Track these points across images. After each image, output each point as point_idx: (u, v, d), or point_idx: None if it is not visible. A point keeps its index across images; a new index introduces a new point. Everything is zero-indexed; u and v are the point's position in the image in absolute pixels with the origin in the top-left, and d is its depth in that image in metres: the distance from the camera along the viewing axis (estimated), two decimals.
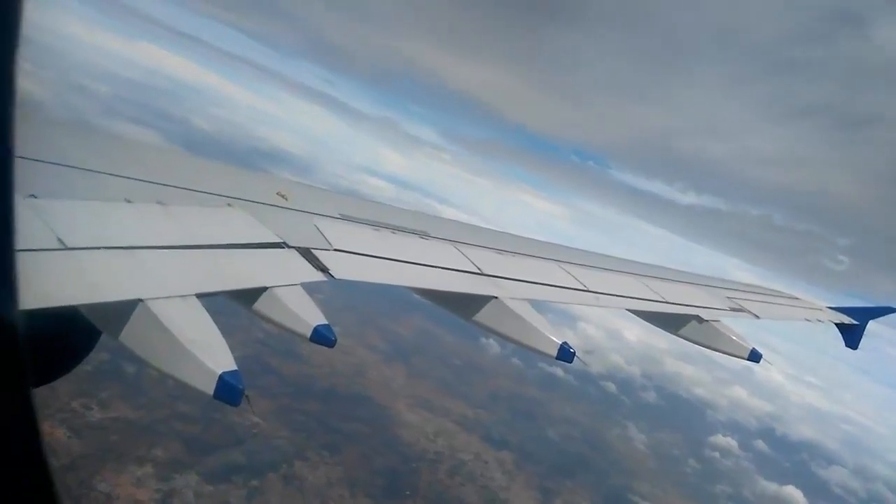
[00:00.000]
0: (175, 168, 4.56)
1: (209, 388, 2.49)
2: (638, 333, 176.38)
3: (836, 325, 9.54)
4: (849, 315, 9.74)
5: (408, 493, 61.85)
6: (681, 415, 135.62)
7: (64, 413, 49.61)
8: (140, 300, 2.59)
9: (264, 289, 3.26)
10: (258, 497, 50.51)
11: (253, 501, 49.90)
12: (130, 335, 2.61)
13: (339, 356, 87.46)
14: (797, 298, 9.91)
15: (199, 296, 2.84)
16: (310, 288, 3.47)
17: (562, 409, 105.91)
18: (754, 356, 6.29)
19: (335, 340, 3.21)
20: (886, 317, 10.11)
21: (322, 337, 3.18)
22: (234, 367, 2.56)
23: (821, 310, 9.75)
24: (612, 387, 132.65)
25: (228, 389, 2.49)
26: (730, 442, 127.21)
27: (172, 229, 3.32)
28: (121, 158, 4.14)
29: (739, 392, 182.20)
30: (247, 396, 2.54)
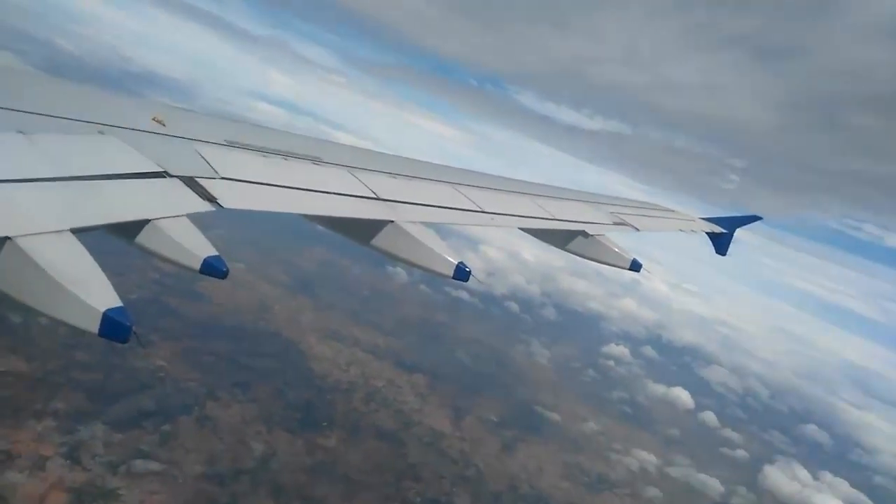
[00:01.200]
0: (36, 92, 4.26)
1: (94, 326, 2.40)
2: (535, 253, 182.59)
3: (708, 234, 10.32)
4: (719, 224, 10.51)
5: (325, 423, 62.33)
6: (577, 328, 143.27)
7: None
8: (7, 238, 2.44)
9: (147, 221, 3.11)
10: (172, 441, 49.26)
11: (166, 446, 48.60)
12: (0, 276, 2.47)
13: (243, 292, 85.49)
14: (673, 211, 10.55)
15: (75, 231, 2.70)
16: (198, 219, 3.33)
17: (469, 330, 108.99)
18: (635, 266, 6.74)
19: (227, 271, 3.09)
20: (754, 225, 11.12)
21: (212, 268, 3.06)
22: (119, 304, 2.45)
23: (693, 220, 10.44)
24: (514, 306, 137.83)
25: (114, 326, 2.40)
26: (622, 350, 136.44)
27: (39, 160, 3.09)
28: None
29: (629, 303, 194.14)
30: (135, 333, 2.45)
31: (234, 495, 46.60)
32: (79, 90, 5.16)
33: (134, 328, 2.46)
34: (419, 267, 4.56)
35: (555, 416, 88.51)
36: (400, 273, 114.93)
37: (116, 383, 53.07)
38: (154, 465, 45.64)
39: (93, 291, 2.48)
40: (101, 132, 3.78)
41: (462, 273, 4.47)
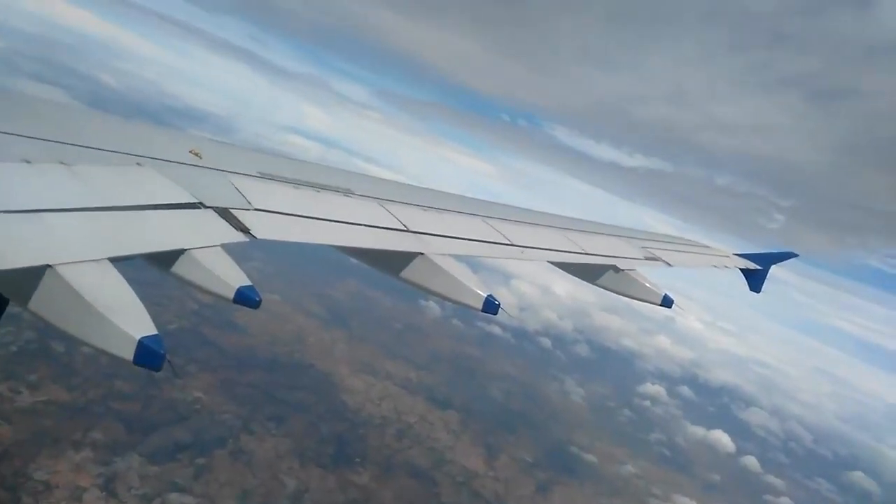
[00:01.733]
0: (77, 125, 4.36)
1: (129, 354, 2.44)
2: (567, 288, 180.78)
3: (742, 270, 10.05)
4: (753, 261, 10.25)
5: (357, 459, 61.63)
6: (611, 366, 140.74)
7: None
8: (48, 266, 2.49)
9: (182, 251, 3.16)
10: (206, 475, 49.04)
11: (200, 479, 48.37)
12: (41, 303, 2.52)
13: (278, 324, 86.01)
14: (706, 246, 10.31)
15: (113, 259, 2.75)
16: (232, 250, 3.38)
17: (501, 366, 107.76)
18: (667, 301, 6.65)
19: (259, 301, 3.11)
20: (790, 263, 10.74)
21: (245, 298, 3.09)
22: (154, 332, 2.49)
23: (727, 256, 10.19)
24: (547, 342, 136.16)
25: (149, 354, 2.44)
26: (658, 390, 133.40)
27: (79, 190, 3.17)
28: (16, 116, 3.93)
29: (663, 341, 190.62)
30: (169, 361, 2.49)
31: None
32: (118, 123, 5.28)
33: (168, 357, 2.49)
34: (448, 299, 4.53)
35: (591, 458, 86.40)
36: (433, 307, 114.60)
37: (154, 414, 53.28)
38: (188, 500, 45.40)
39: (129, 319, 2.52)
40: (139, 164, 3.86)
41: (491, 306, 4.43)
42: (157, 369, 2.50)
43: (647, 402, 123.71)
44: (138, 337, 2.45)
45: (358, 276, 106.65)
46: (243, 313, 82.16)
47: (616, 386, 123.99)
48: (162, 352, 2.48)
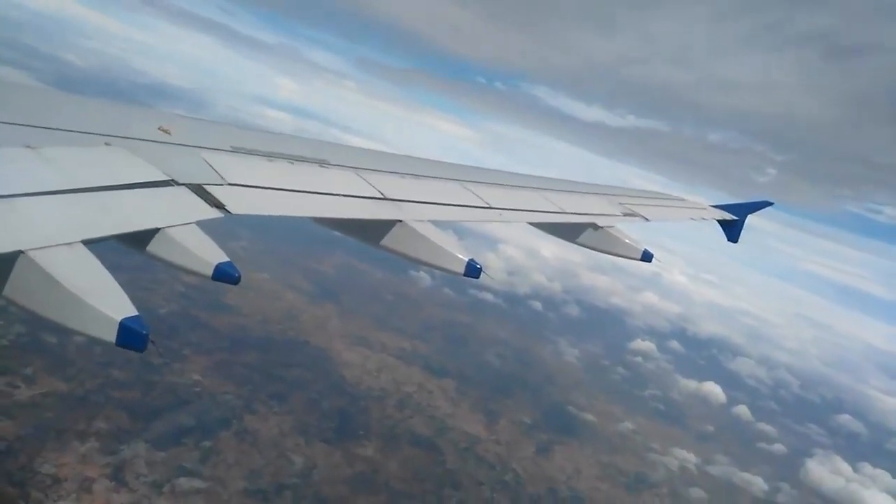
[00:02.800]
0: (42, 107, 4.27)
1: (111, 336, 2.43)
2: (553, 250, 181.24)
3: (719, 221, 10.21)
4: (729, 211, 10.38)
5: (361, 432, 61.88)
6: (602, 325, 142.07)
7: None
8: (20, 252, 2.47)
9: (157, 230, 3.13)
10: (214, 457, 48.92)
11: (208, 462, 48.26)
12: (16, 289, 2.50)
13: (268, 302, 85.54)
14: (683, 199, 10.47)
15: (86, 242, 2.72)
16: (212, 227, 3.35)
17: (494, 331, 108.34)
18: (646, 256, 6.75)
19: (239, 277, 3.10)
20: (768, 211, 10.97)
21: (224, 274, 3.08)
22: (135, 312, 2.48)
23: (704, 208, 10.34)
24: (538, 305, 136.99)
25: (131, 335, 2.43)
26: (649, 346, 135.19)
27: (47, 173, 3.11)
28: None
29: (650, 297, 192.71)
30: (152, 341, 2.49)
31: None
32: (84, 103, 5.15)
33: (151, 337, 2.48)
34: (430, 265, 4.55)
35: (588, 417, 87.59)
36: (423, 277, 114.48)
37: (155, 400, 52.86)
38: (198, 483, 45.30)
39: (108, 301, 2.50)
40: (107, 144, 3.78)
41: (473, 270, 4.45)
42: (141, 350, 2.49)
43: (639, 359, 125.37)
44: (119, 318, 2.44)
45: (344, 248, 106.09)
46: (233, 294, 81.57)
47: (608, 344, 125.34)
48: (144, 332, 2.47)
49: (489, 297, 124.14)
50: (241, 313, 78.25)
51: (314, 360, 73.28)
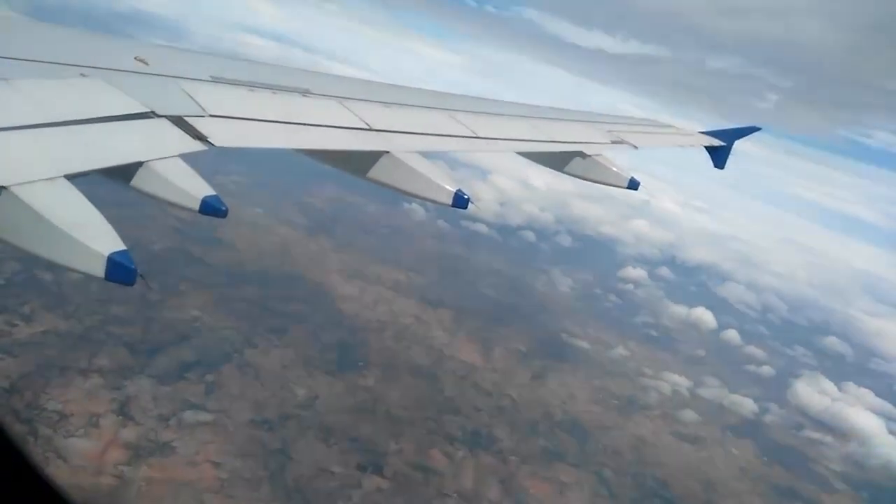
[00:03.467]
0: (13, 37, 4.14)
1: (99, 270, 2.42)
2: (545, 179, 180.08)
3: (706, 147, 10.20)
4: (717, 137, 10.33)
5: (361, 363, 62.81)
6: (594, 253, 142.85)
7: None
8: (3, 187, 2.42)
9: (140, 163, 3.08)
10: (217, 390, 49.61)
11: (212, 395, 48.96)
12: (1, 226, 2.48)
13: (262, 236, 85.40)
14: (671, 126, 10.37)
15: (69, 177, 2.69)
16: (190, 158, 3.29)
17: (488, 262, 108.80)
18: (633, 184, 6.80)
19: (226, 210, 3.09)
20: (758, 136, 10.97)
21: (211, 208, 3.07)
22: (122, 247, 2.48)
23: (692, 135, 10.33)
24: (530, 235, 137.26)
25: (120, 269, 2.42)
26: (640, 273, 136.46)
27: (22, 107, 3.02)
28: None
29: (641, 225, 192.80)
30: (141, 275, 2.50)
31: (285, 440, 47.18)
32: (56, 32, 5.06)
33: (139, 271, 2.47)
34: (418, 197, 4.55)
35: (581, 343, 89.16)
36: (416, 209, 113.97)
37: (155, 336, 53.15)
38: (203, 416, 46.07)
39: (95, 236, 2.48)
40: (83, 74, 3.66)
41: (461, 200, 4.45)
42: (131, 284, 2.48)
43: (630, 286, 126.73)
44: (107, 253, 2.42)
45: (334, 181, 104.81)
46: (226, 228, 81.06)
47: (599, 273, 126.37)
48: (132, 266, 2.46)
49: (482, 228, 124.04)
50: (235, 248, 78.10)
51: (311, 294, 73.61)
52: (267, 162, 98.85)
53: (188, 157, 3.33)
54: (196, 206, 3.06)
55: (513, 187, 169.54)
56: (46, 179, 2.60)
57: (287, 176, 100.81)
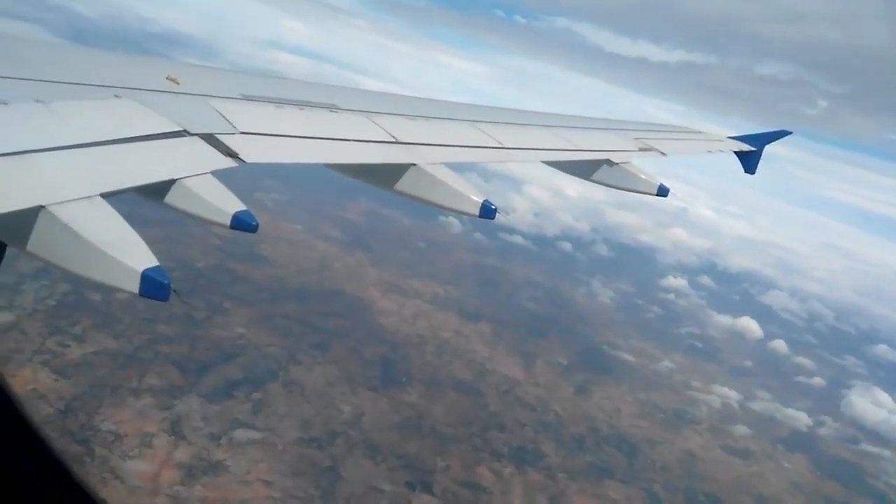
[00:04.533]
0: (49, 60, 4.21)
1: (134, 287, 2.48)
2: (577, 189, 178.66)
3: (736, 153, 10.00)
4: (747, 142, 10.18)
5: (404, 379, 62.48)
6: (632, 263, 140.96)
7: (42, 354, 46.54)
8: (41, 206, 2.50)
9: (173, 181, 3.15)
10: (265, 408, 49.67)
11: (260, 413, 49.03)
12: (39, 244, 2.55)
13: (301, 252, 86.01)
14: (699, 132, 10.28)
15: (105, 195, 2.72)
16: (221, 175, 3.34)
17: (526, 273, 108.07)
18: (662, 191, 6.71)
19: (257, 225, 3.12)
20: (790, 139, 10.79)
21: (242, 223, 3.11)
22: (156, 263, 2.52)
23: (721, 140, 10.13)
24: (567, 246, 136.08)
25: (154, 285, 2.48)
26: (680, 282, 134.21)
27: (60, 128, 3.09)
28: None
29: (678, 232, 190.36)
30: (174, 290, 2.52)
31: (334, 458, 46.98)
32: (90, 54, 5.09)
33: (173, 286, 2.51)
34: (445, 208, 4.56)
35: (624, 356, 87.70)
36: (452, 222, 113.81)
37: (202, 354, 53.53)
38: (253, 434, 46.12)
39: (130, 253, 2.53)
40: (117, 95, 3.72)
41: (488, 211, 4.44)
42: (165, 299, 2.51)
43: (672, 296, 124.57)
44: (141, 269, 2.46)
45: (367, 195, 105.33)
46: (267, 245, 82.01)
47: (639, 282, 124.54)
48: (166, 281, 2.48)
49: (519, 239, 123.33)
50: (276, 264, 78.64)
51: (351, 309, 73.66)
52: (302, 178, 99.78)
53: (220, 174, 3.38)
54: (228, 221, 3.10)
55: (547, 197, 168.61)
56: (83, 198, 2.65)
57: (322, 191, 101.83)
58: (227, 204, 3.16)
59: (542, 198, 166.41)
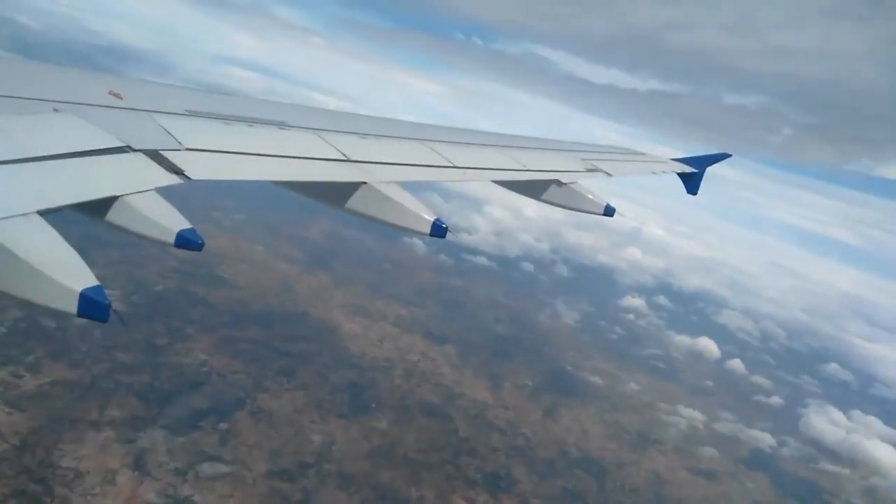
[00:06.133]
0: None
1: (72, 307, 2.43)
2: (535, 209, 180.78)
3: (679, 174, 10.32)
4: (689, 164, 10.50)
5: (373, 405, 61.21)
6: (591, 283, 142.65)
7: None
8: None
9: (115, 198, 3.06)
10: (232, 439, 47.77)
11: (228, 445, 47.12)
12: None
13: (262, 273, 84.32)
14: (643, 153, 10.55)
15: (42, 213, 2.66)
16: (166, 192, 3.28)
17: (490, 294, 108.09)
18: (608, 211, 6.88)
19: (202, 243, 3.06)
20: (734, 160, 11.32)
21: (187, 241, 3.05)
22: (95, 283, 2.46)
23: (664, 162, 10.43)
24: (529, 266, 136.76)
25: (93, 305, 2.41)
26: (639, 302, 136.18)
27: None
28: None
29: (633, 252, 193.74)
30: (115, 311, 2.45)
31: (305, 491, 45.36)
32: (29, 67, 5.03)
33: (113, 307, 2.45)
34: (396, 227, 4.49)
35: (589, 377, 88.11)
36: (416, 243, 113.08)
37: (165, 383, 51.39)
38: (221, 468, 44.21)
39: (68, 272, 2.47)
40: (56, 110, 3.64)
41: (439, 229, 4.43)
42: (104, 320, 2.45)
43: (631, 316, 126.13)
44: (79, 289, 2.39)
45: (326, 214, 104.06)
46: (226, 266, 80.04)
47: (599, 303, 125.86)
48: (106, 302, 2.42)
49: (483, 260, 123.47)
50: (237, 286, 76.73)
51: (316, 333, 72.25)
52: (259, 196, 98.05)
53: (171, 192, 3.29)
54: (172, 239, 3.03)
55: (507, 217, 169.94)
56: (18, 216, 2.54)
57: (281, 210, 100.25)
58: (172, 221, 3.07)
59: (503, 218, 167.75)
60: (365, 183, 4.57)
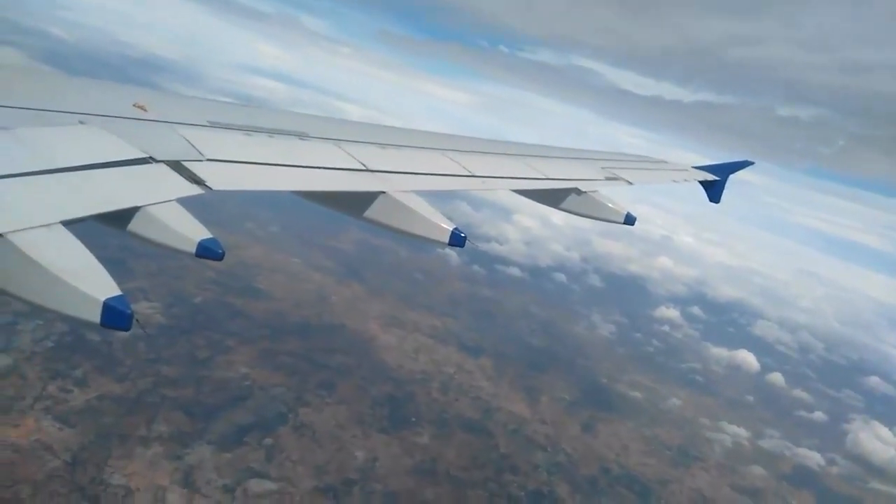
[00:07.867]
0: (13, 85, 4.13)
1: (95, 316, 2.44)
2: (562, 217, 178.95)
3: (701, 182, 10.18)
4: (711, 172, 10.35)
5: (413, 419, 60.69)
6: (624, 293, 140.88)
7: (43, 401, 44.09)
8: (0, 235, 2.46)
9: (137, 208, 3.09)
10: (278, 455, 47.52)
11: (273, 461, 46.86)
12: None
13: (297, 284, 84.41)
14: (665, 162, 10.35)
15: (66, 223, 2.70)
16: (188, 202, 3.28)
17: (523, 305, 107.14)
18: (629, 219, 6.77)
19: (223, 253, 3.06)
20: (757, 167, 11.14)
21: (208, 251, 3.05)
22: (118, 292, 2.47)
23: (686, 170, 10.26)
24: (561, 277, 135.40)
25: (115, 315, 2.43)
26: (673, 313, 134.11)
27: (22, 155, 3.04)
28: None
29: (665, 261, 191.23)
30: (137, 320, 2.48)
31: None
32: (57, 80, 5.06)
33: (136, 316, 2.46)
34: (414, 236, 4.47)
35: (627, 391, 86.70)
36: (449, 253, 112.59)
37: (209, 397, 51.34)
38: (268, 484, 43.93)
39: (91, 282, 2.48)
40: (81, 122, 3.68)
41: (457, 239, 4.41)
42: (126, 329, 2.46)
43: (667, 328, 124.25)
44: (102, 299, 2.41)
45: (357, 224, 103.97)
46: (262, 277, 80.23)
47: (633, 314, 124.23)
48: (128, 311, 2.43)
49: (515, 271, 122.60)
50: (273, 297, 76.79)
51: (353, 344, 72.00)
52: (290, 207, 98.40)
53: (191, 202, 3.29)
54: (193, 249, 3.02)
55: (536, 226, 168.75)
56: (43, 226, 2.58)
57: (311, 220, 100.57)
58: (193, 231, 3.06)
59: (532, 226, 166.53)
60: (384, 193, 4.58)
